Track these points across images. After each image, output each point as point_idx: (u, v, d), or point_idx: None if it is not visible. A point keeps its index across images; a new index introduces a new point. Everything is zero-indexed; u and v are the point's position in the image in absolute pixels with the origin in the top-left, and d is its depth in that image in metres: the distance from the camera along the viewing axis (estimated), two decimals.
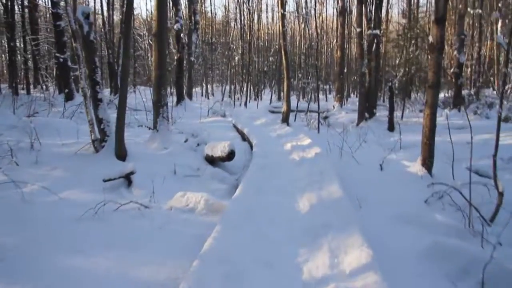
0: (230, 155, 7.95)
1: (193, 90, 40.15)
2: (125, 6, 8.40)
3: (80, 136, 9.49)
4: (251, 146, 10.23)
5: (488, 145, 10.65)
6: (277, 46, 35.01)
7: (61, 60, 18.70)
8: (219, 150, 8.05)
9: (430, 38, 7.34)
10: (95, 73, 8.17)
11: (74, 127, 10.75)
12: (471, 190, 5.44)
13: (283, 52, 16.11)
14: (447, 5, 7.16)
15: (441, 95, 27.91)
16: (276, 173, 6.65)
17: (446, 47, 30.21)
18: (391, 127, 15.80)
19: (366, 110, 17.38)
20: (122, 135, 7.93)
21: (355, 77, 38.98)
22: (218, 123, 16.01)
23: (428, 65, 7.58)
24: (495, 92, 25.35)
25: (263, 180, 6.18)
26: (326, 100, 31.81)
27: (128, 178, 6.88)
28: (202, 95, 38.46)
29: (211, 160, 8.44)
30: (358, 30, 17.06)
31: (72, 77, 19.12)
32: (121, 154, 7.98)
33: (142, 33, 47.04)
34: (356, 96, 39.15)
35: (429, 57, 7.66)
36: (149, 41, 43.95)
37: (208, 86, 43.11)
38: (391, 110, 15.86)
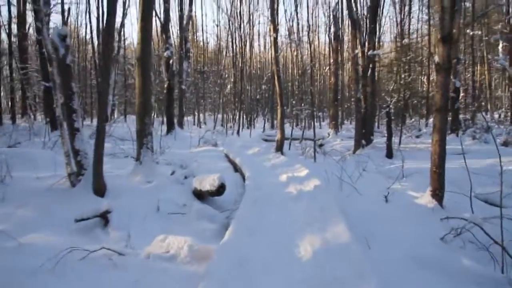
0: (220, 189, 7.18)
1: (185, 118, 39.69)
2: (104, 27, 7.78)
3: (59, 169, 8.70)
4: (244, 178, 9.46)
5: (493, 171, 10.01)
6: (269, 74, 34.76)
7: (46, 87, 18.09)
8: (207, 183, 7.28)
9: (436, 58, 6.74)
10: (71, 100, 7.47)
11: (53, 158, 9.98)
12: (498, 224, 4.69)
13: (276, 78, 15.56)
14: (453, 23, 6.58)
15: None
16: (272, 210, 5.87)
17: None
18: (389, 154, 15.15)
19: (363, 137, 16.76)
20: (100, 168, 7.16)
21: (349, 104, 38.78)
22: (209, 153, 15.26)
23: (435, 87, 6.95)
24: (489, 116, 25.02)
25: (256, 218, 5.41)
26: (320, 127, 31.29)
27: (104, 217, 6.08)
28: (194, 124, 37.91)
29: (200, 195, 7.66)
30: (355, 52, 16.59)
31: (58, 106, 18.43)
32: (99, 189, 7.20)
33: (133, 62, 46.80)
34: (351, 123, 38.88)
35: (435, 78, 7.05)
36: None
37: (200, 114, 42.58)
38: (389, 137, 15.25)
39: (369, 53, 15.13)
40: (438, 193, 6.93)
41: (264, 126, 29.96)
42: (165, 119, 22.80)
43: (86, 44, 39.73)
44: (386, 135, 22.65)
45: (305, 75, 32.73)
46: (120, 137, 17.00)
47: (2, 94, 30.67)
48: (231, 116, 37.29)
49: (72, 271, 4.15)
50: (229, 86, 41.23)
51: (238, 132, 25.85)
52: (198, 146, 17.51)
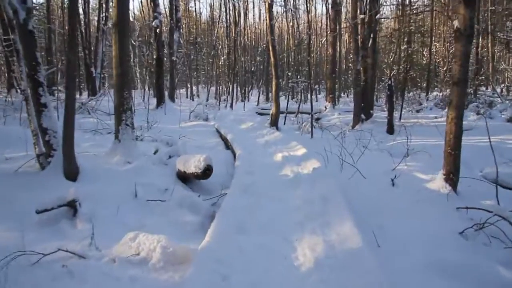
0: (207, 172, 6.35)
1: (177, 92, 38.53)
2: None
3: (32, 148, 7.85)
4: (235, 157, 8.63)
5: (501, 149, 9.25)
6: (264, 45, 33.47)
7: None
8: (192, 165, 6.45)
9: (456, 23, 5.83)
10: (36, 72, 6.52)
11: (26, 136, 9.09)
12: None
13: (271, 48, 14.54)
14: None
15: (434, 93, 26.66)
16: (265, 199, 5.08)
17: (437, 44, 28.99)
18: (390, 130, 14.34)
19: (362, 111, 15.89)
20: (70, 148, 6.31)
21: (345, 77, 37.72)
22: (200, 128, 14.39)
23: (454, 56, 6.07)
24: (489, 90, 24.16)
25: (247, 210, 4.61)
26: (317, 101, 30.31)
27: (72, 206, 5.26)
28: (187, 97, 36.85)
29: (184, 177, 6.85)
30: (355, 21, 15.53)
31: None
32: (70, 172, 6.36)
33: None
34: (347, 96, 37.90)
35: (454, 47, 6.16)
36: (132, 42, 42.27)
37: (193, 87, 41.44)
38: (391, 111, 14.40)
39: (376, 16, 14.09)
40: (452, 177, 6.14)
41: (258, 99, 28.94)
42: (155, 92, 21.77)
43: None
44: (385, 109, 21.95)
45: (301, 45, 31.51)
46: (107, 111, 16.02)
47: None
48: (225, 89, 36.20)
49: (16, 282, 3.34)
50: (222, 58, 39.94)
51: (231, 105, 24.89)
52: (188, 120, 16.60)
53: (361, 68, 15.92)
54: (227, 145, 10.89)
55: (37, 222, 5.08)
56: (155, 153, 8.00)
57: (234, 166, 7.83)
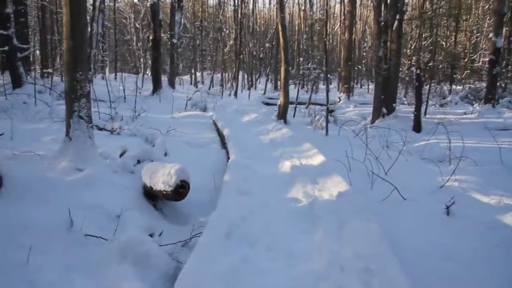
0: (180, 191, 4.34)
1: (181, 78, 36.49)
2: None
3: None
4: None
5: None
6: (274, 30, 31.21)
7: (5, 37, 14.96)
8: (160, 179, 4.44)
9: None
10: None
11: None
12: None
13: (280, 28, 12.40)
14: None
15: (459, 87, 24.32)
16: (260, 256, 3.06)
17: (467, 33, 26.53)
18: (417, 127, 12.29)
19: (383, 104, 13.78)
20: None
21: (359, 66, 35.34)
22: (195, 119, 12.38)
23: None
24: None
25: (234, 275, 2.59)
26: (329, 91, 28.08)
27: None
28: (191, 84, 34.82)
29: (151, 195, 4.85)
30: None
31: (19, 59, 15.40)
32: None
33: (127, 16, 43.21)
34: (361, 87, 35.58)
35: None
36: (136, 25, 40.19)
37: (198, 73, 39.36)
38: (418, 105, 12.33)
39: None
40: None
41: (265, 87, 26.76)
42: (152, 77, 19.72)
43: None
44: (405, 102, 19.82)
45: (315, 26, 29.12)
46: (99, 98, 13.99)
47: None
48: (231, 76, 34.04)
49: None
50: (229, 43, 37.75)
51: (235, 94, 22.76)
52: (184, 110, 14.57)
53: (383, 55, 13.79)
54: (224, 142, 8.87)
55: None
56: (121, 155, 6.00)
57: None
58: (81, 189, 4.75)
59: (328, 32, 31.43)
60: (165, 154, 7.02)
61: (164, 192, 4.42)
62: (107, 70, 39.72)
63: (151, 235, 3.95)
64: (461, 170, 6.64)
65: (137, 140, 8.12)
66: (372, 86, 31.66)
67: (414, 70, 12.67)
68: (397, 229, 4.09)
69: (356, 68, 33.94)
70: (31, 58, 23.14)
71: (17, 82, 15.17)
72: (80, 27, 5.53)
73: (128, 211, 4.35)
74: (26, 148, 6.56)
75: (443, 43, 18.40)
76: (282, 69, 12.72)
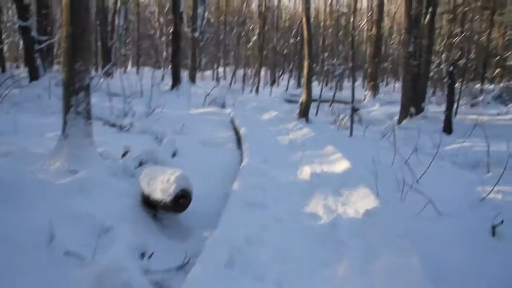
0: (180, 202, 3.75)
1: (204, 73, 36.07)
2: None
3: None
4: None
5: None
6: (298, 25, 30.39)
7: (23, 28, 14.69)
8: (158, 187, 3.86)
9: None
10: None
11: None
12: None
13: (304, 20, 11.70)
14: None
15: (491, 86, 23.05)
16: None
17: (500, 29, 25.19)
18: (448, 128, 11.45)
19: (412, 104, 12.97)
20: None
21: (386, 63, 34.17)
22: (212, 116, 11.81)
23: None
24: None
25: None
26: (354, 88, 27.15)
27: None
28: (213, 79, 34.37)
29: (151, 203, 4.27)
30: None
31: (37, 51, 15.12)
32: None
33: (152, 10, 43.06)
34: (386, 85, 34.43)
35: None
36: (160, 19, 39.91)
37: (220, 69, 38.82)
38: (450, 105, 11.49)
39: None
40: None
41: (288, 83, 26.01)
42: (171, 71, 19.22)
43: None
44: (434, 102, 18.81)
45: (339, 23, 28.15)
46: (116, 92, 13.51)
47: None
48: (254, 72, 33.40)
49: None
50: (253, 39, 37.06)
51: (257, 90, 22.11)
52: (202, 106, 14.01)
53: (413, 51, 12.96)
54: (241, 142, 8.27)
55: None
56: (123, 155, 5.45)
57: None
58: (72, 194, 4.22)
59: (355, 26, 30.46)
60: (174, 155, 6.46)
61: (162, 203, 3.84)
62: (129, 64, 39.64)
63: (142, 255, 3.37)
64: (503, 179, 5.86)
65: (147, 138, 7.59)
66: (398, 85, 30.58)
67: (446, 67, 11.79)
68: (432, 253, 3.41)
69: (382, 66, 32.85)
70: (54, 51, 23.05)
71: (34, 75, 14.90)
72: (80, 11, 5.00)
73: (121, 223, 3.79)
74: (27, 144, 6.12)
75: (476, 37, 17.31)
76: (305, 64, 12.04)
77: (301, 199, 4.26)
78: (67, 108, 5.05)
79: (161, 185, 3.82)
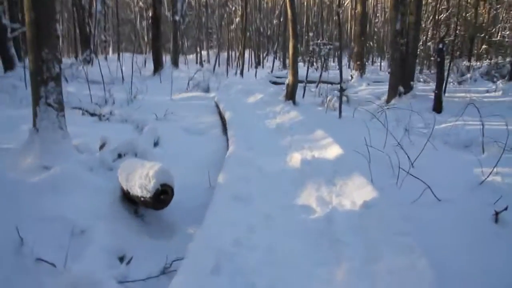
0: (161, 197, 3.45)
1: (188, 57, 35.38)
2: None
3: None
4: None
5: None
6: (282, 6, 29.79)
7: None
8: (137, 182, 3.55)
9: None
10: None
11: None
12: None
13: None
14: None
15: (477, 63, 22.89)
16: None
17: (485, 5, 24.97)
18: (438, 107, 11.20)
19: (400, 83, 12.71)
20: None
21: (370, 43, 33.84)
22: (196, 101, 11.44)
23: None
24: None
25: None
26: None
27: None
28: (196, 63, 33.75)
29: (131, 199, 3.95)
30: None
31: (10, 39, 14.49)
32: None
33: None
34: (372, 64, 34.15)
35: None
36: (140, 3, 38.91)
37: (204, 52, 38.20)
38: (440, 83, 11.25)
39: None
40: None
41: (273, 65, 25.58)
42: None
43: None
44: (422, 80, 18.60)
45: (323, 1, 27.66)
46: (95, 79, 12.95)
47: None
48: (238, 54, 32.85)
49: None
50: (236, 20, 36.37)
51: (241, 73, 21.67)
52: (186, 91, 13.60)
53: (401, 29, 12.65)
54: (226, 128, 7.94)
55: None
56: (101, 147, 5.10)
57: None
58: (45, 193, 3.88)
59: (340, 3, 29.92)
60: (156, 144, 6.13)
61: (142, 199, 3.53)
62: (110, 50, 38.76)
63: (121, 259, 3.07)
64: (502, 160, 5.65)
65: (127, 127, 7.23)
66: (384, 64, 30.32)
67: (434, 45, 11.53)
68: (433, 243, 3.17)
69: (367, 45, 32.53)
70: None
71: (8, 64, 14.32)
72: None
73: (98, 223, 3.48)
74: None
75: (466, 14, 17.06)
76: (291, 45, 11.65)
77: (293, 190, 3.96)
78: (36, 99, 4.68)
79: (140, 180, 3.50)
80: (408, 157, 5.49)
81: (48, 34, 4.60)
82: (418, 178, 4.53)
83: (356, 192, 3.67)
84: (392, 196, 4.00)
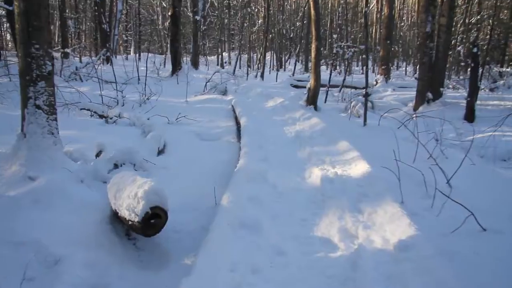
0: (152, 222, 2.88)
1: (207, 58, 35.01)
2: None
3: None
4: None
5: None
6: (305, 8, 29.13)
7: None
8: (125, 202, 2.98)
9: None
10: None
11: None
12: None
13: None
14: None
15: (508, 69, 21.79)
16: None
17: None
18: (470, 116, 10.36)
19: (429, 89, 11.92)
20: None
21: (395, 47, 32.85)
22: (212, 104, 10.89)
23: None
24: None
25: None
26: (362, 73, 25.97)
27: None
28: (217, 64, 33.33)
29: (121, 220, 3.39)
30: None
31: None
32: None
33: None
34: (397, 69, 33.16)
35: None
36: (162, 3, 38.78)
37: (225, 54, 37.77)
38: (473, 90, 10.41)
39: None
40: None
41: (294, 68, 24.92)
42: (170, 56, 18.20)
43: None
44: (451, 86, 17.69)
45: (347, 1, 26.78)
46: (110, 80, 12.53)
47: None
48: (260, 56, 32.29)
49: None
50: (258, 22, 35.85)
51: (262, 75, 21.08)
52: (202, 93, 13.08)
53: (431, 31, 11.88)
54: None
55: None
56: (97, 155, 4.57)
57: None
58: (22, 209, 3.37)
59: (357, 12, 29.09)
60: (161, 151, 5.58)
61: (130, 223, 2.96)
62: (131, 50, 38.70)
63: None
64: None
65: (133, 131, 6.71)
66: (410, 68, 29.33)
67: (464, 49, 10.72)
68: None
69: (393, 49, 31.58)
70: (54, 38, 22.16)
71: None
72: None
73: (77, 249, 2.92)
74: None
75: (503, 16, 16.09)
76: (313, 46, 11.01)
77: (311, 217, 3.33)
78: (24, 100, 4.17)
79: (128, 200, 2.93)
80: (444, 174, 4.81)
81: (38, 27, 4.08)
82: (459, 203, 3.85)
83: (389, 226, 3.02)
84: (429, 225, 3.34)
